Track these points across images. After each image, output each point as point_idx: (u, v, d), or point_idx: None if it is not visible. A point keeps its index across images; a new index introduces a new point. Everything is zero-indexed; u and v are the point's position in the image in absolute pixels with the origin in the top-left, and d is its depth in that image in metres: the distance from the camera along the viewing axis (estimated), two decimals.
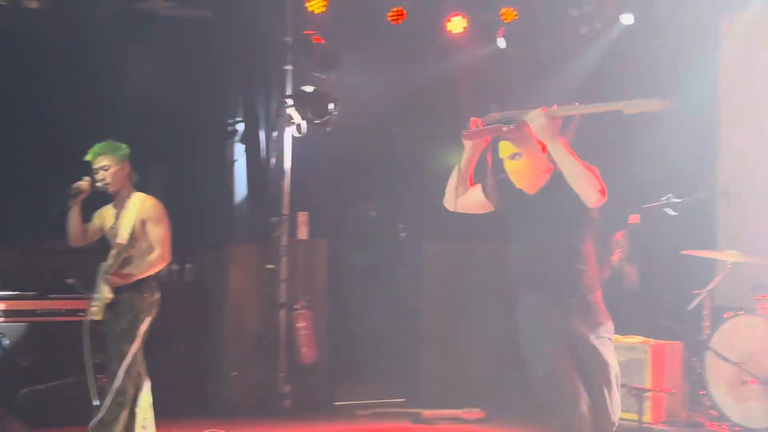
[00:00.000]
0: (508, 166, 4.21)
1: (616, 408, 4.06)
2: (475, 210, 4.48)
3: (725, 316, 5.94)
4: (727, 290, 6.94)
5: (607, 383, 4.05)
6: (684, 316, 6.42)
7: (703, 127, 7.93)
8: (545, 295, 4.16)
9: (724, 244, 6.89)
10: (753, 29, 7.71)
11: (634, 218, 7.39)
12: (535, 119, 3.93)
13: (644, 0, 8.07)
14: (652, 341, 6.02)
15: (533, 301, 4.20)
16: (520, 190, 4.23)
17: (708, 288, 6.34)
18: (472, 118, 4.26)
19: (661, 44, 8.00)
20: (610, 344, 4.11)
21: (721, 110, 7.98)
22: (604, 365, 4.07)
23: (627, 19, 8.27)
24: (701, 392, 5.99)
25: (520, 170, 4.17)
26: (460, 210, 4.47)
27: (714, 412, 5.88)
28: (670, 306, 6.56)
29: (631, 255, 7.08)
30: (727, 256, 6.32)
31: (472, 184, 4.44)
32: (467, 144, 4.33)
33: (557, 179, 4.07)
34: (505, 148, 4.19)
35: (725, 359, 5.74)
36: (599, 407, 4.03)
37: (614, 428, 4.03)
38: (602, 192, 3.94)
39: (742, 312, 5.93)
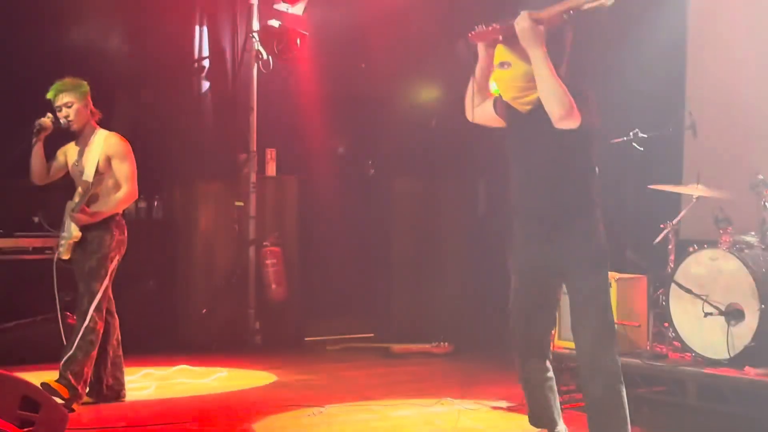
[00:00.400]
0: (495, 75, 4.11)
1: (595, 337, 4.01)
2: (490, 123, 4.30)
3: (689, 249, 6.00)
4: (692, 224, 7.01)
5: (583, 313, 4.04)
6: (649, 250, 6.49)
7: (670, 61, 7.93)
8: (526, 222, 4.18)
9: (690, 178, 6.93)
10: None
11: None
12: (519, 22, 3.86)
13: None
14: (617, 275, 6.08)
15: (516, 227, 4.22)
16: (515, 108, 4.13)
17: (673, 222, 6.39)
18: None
19: None
20: (592, 272, 4.05)
21: (688, 43, 7.98)
22: (579, 293, 4.06)
23: None
24: (665, 324, 6.08)
25: (505, 80, 4.06)
26: (476, 121, 4.28)
27: (677, 343, 5.97)
28: (636, 240, 6.62)
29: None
30: (692, 190, 6.36)
31: (490, 95, 4.27)
32: (480, 50, 4.18)
33: None
34: (498, 55, 4.07)
35: (689, 291, 5.82)
36: (583, 324, 4.05)
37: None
38: (569, 114, 3.84)
39: (706, 246, 6.00)
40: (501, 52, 4.06)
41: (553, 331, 4.46)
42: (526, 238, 4.20)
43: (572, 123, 3.89)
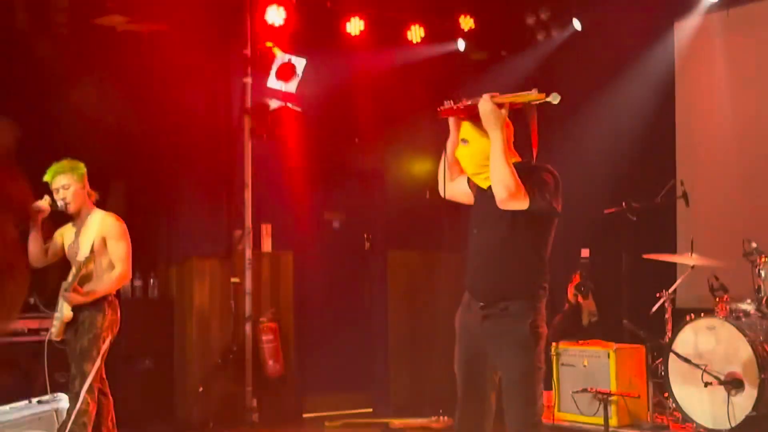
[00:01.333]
0: (458, 150, 4.16)
1: (521, 415, 4.02)
2: (461, 200, 4.34)
3: (686, 318, 5.99)
4: (688, 292, 7.02)
5: (510, 398, 4.05)
6: (646, 320, 6.48)
7: (661, 131, 8.02)
8: (469, 296, 4.19)
9: (684, 247, 6.96)
10: (705, 34, 7.83)
11: (585, 252, 7.52)
12: (482, 103, 3.93)
13: (597, 7, 8.14)
14: (615, 345, 6.06)
15: (463, 299, 4.23)
16: (477, 184, 4.18)
17: (669, 291, 6.40)
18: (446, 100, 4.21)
19: (615, 47, 8.07)
20: (519, 355, 4.03)
21: (677, 113, 8.09)
22: (507, 376, 4.06)
23: (578, 24, 8.37)
24: (665, 395, 6.04)
25: (465, 156, 4.12)
26: (448, 198, 4.33)
27: (678, 414, 5.93)
28: (632, 310, 6.61)
29: (586, 289, 7.20)
30: (687, 260, 6.39)
31: (461, 171, 4.29)
32: (450, 125, 4.25)
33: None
34: (462, 131, 4.15)
35: (687, 361, 5.80)
36: (509, 413, 4.04)
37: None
38: (512, 197, 3.88)
39: (702, 314, 5.99)
40: (464, 129, 4.15)
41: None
42: (466, 307, 4.21)
43: (516, 205, 3.94)
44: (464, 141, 4.10)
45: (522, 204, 3.93)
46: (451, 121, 4.25)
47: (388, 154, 9.35)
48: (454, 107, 4.13)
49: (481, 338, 4.11)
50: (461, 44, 9.13)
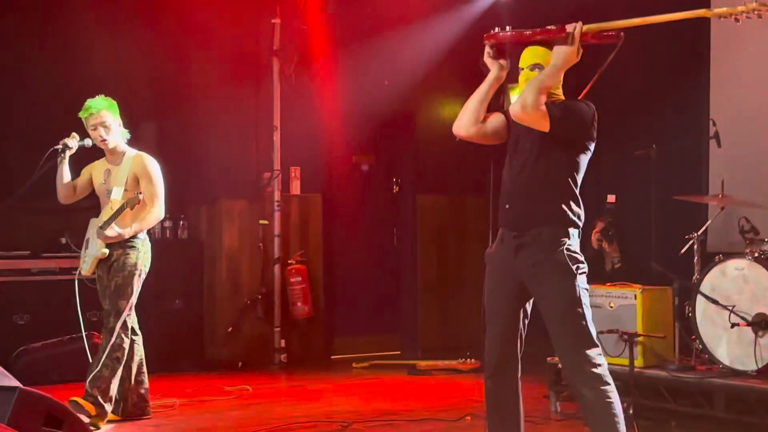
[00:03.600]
0: (524, 76, 4.07)
1: (570, 344, 3.98)
2: (488, 140, 4.20)
3: (715, 259, 5.94)
4: (718, 235, 6.96)
5: (553, 321, 4.00)
6: (675, 261, 6.44)
7: (694, 68, 7.89)
8: (502, 224, 4.14)
9: (715, 188, 6.88)
10: None
11: (611, 198, 7.45)
12: (569, 42, 3.91)
13: None
14: (641, 287, 6.03)
15: (499, 234, 4.18)
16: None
17: (699, 232, 6.35)
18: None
19: None
20: (558, 280, 3.98)
21: (712, 49, 7.91)
22: (546, 300, 4.01)
23: None
24: (692, 336, 6.01)
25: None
26: (474, 137, 4.17)
27: (704, 355, 5.91)
28: (661, 251, 6.56)
29: (611, 235, 7.14)
30: (717, 201, 6.32)
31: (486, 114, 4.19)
32: (492, 64, 4.15)
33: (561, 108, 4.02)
34: (529, 56, 4.07)
35: (714, 302, 5.77)
36: (559, 344, 4.02)
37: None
38: (528, 113, 3.86)
39: (732, 256, 5.94)
40: (535, 54, 4.06)
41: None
42: (499, 240, 4.17)
43: (535, 124, 3.92)
44: (536, 67, 4.02)
45: (542, 124, 3.90)
46: (493, 62, 4.14)
47: (417, 97, 9.30)
48: (508, 33, 4.06)
49: (516, 271, 4.06)
50: None
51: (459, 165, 9.31)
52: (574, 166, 4.06)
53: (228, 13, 8.30)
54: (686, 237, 6.36)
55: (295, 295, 8.59)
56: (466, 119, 4.19)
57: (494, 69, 4.17)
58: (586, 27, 3.94)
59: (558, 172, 4.03)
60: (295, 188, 8.87)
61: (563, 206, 4.02)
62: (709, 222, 6.52)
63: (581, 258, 4.04)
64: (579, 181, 4.09)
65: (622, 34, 3.94)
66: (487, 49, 4.14)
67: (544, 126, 3.93)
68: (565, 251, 3.97)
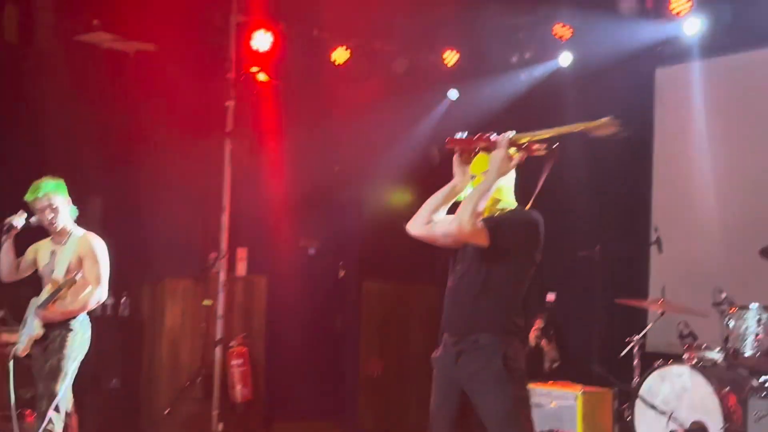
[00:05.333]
0: (474, 183, 4.11)
1: None
2: (440, 241, 4.16)
3: (654, 364, 6.03)
4: (658, 338, 7.07)
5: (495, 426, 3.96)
6: (615, 364, 6.51)
7: (638, 176, 8.09)
8: (445, 331, 4.14)
9: (656, 293, 7.01)
10: (685, 82, 7.93)
11: (550, 297, 7.57)
12: (500, 141, 3.97)
13: (582, 46, 8.22)
14: (583, 388, 6.08)
15: (443, 338, 4.17)
16: None
17: (639, 336, 6.45)
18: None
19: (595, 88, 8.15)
20: (494, 389, 3.95)
21: (655, 159, 8.17)
22: (483, 410, 3.97)
23: (565, 59, 8.42)
24: None
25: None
26: (423, 236, 4.15)
27: None
28: (602, 354, 6.65)
29: (550, 334, 7.24)
30: (658, 306, 6.44)
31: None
32: (456, 164, 4.17)
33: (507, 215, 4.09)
34: (478, 164, 4.11)
35: (653, 407, 5.84)
36: None
37: None
38: (463, 236, 3.91)
39: (671, 361, 6.04)
40: (482, 161, 4.10)
41: None
42: (443, 345, 4.15)
43: (465, 239, 3.95)
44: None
45: (480, 241, 3.95)
46: (457, 158, 4.19)
47: (366, 183, 9.37)
48: (470, 139, 4.10)
49: (456, 377, 4.06)
50: (453, 93, 9.23)
51: (406, 252, 9.33)
52: (517, 276, 4.08)
53: (181, 94, 8.33)
54: (626, 340, 6.45)
55: (235, 377, 8.49)
56: (418, 219, 4.23)
57: (456, 177, 4.19)
58: (516, 136, 4.00)
59: (499, 280, 4.04)
60: (241, 269, 8.83)
61: (503, 314, 4.02)
62: (649, 326, 6.63)
63: (520, 365, 4.02)
64: (522, 290, 4.11)
65: (555, 149, 3.98)
66: (456, 155, 4.19)
67: (483, 242, 3.97)
68: (502, 360, 3.95)
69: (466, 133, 4.14)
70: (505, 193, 4.18)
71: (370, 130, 9.12)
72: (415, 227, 4.23)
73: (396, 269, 9.55)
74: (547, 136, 3.99)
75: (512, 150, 4.02)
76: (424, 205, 4.23)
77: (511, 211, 4.16)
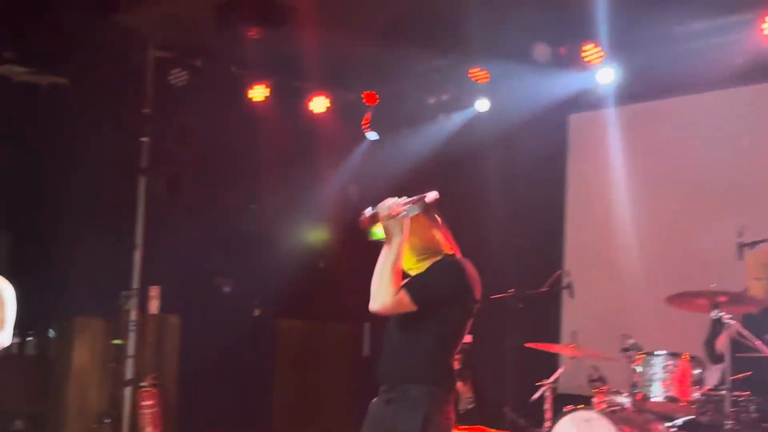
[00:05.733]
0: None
1: None
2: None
3: (564, 410, 6.08)
4: (570, 382, 7.14)
5: None
6: (527, 408, 6.56)
7: (551, 221, 8.22)
8: (379, 380, 4.14)
9: (567, 337, 7.11)
10: (598, 128, 8.11)
11: (467, 339, 7.61)
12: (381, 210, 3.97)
13: (498, 91, 8.35)
14: None
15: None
16: None
17: (550, 380, 6.50)
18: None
19: (512, 133, 8.27)
20: None
21: (567, 205, 8.31)
22: None
23: (482, 105, 8.55)
24: None
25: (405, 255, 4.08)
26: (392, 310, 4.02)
27: None
28: (514, 397, 6.69)
29: (466, 375, 7.26)
30: (568, 350, 6.51)
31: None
32: (387, 237, 4.05)
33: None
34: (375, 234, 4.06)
35: None
36: None
37: None
38: (386, 310, 3.88)
39: (581, 405, 6.10)
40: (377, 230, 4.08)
41: None
42: (375, 400, 4.12)
43: (390, 312, 3.94)
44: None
45: (407, 308, 3.95)
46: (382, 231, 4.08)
47: (284, 221, 9.33)
48: (368, 218, 4.11)
49: (384, 425, 4.02)
50: (373, 135, 9.27)
51: (322, 291, 9.33)
52: (447, 326, 4.08)
53: (95, 129, 8.20)
54: (537, 384, 6.51)
55: (145, 419, 8.30)
56: (384, 292, 4.00)
57: (394, 240, 4.05)
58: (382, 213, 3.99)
59: (429, 332, 4.04)
60: (153, 308, 8.67)
61: (433, 365, 4.02)
62: (559, 371, 6.69)
63: (443, 420, 4.02)
64: (454, 338, 4.10)
65: (421, 199, 3.96)
66: (374, 230, 4.18)
67: (410, 308, 3.93)
68: (424, 416, 3.93)
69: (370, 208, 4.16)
70: (423, 248, 4.19)
71: (288, 169, 9.10)
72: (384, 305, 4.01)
73: (312, 307, 9.50)
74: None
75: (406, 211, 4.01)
76: (380, 278, 4.02)
77: (433, 264, 4.15)
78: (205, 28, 7.87)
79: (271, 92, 8.91)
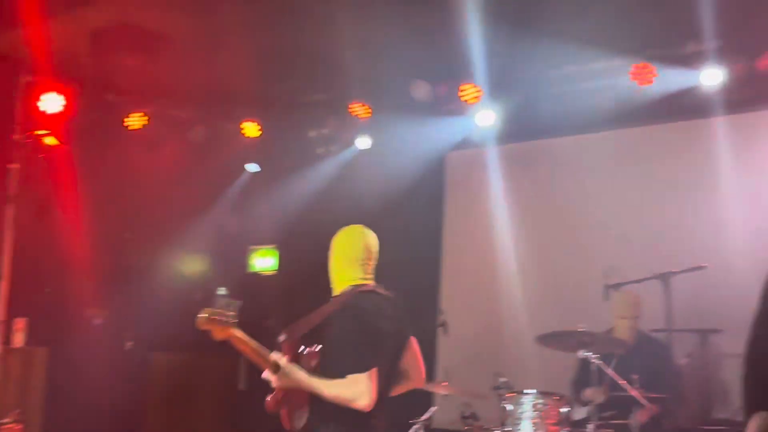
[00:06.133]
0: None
1: None
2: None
3: None
4: (444, 417, 7.19)
5: None
6: None
7: (427, 257, 8.28)
8: None
9: (441, 374, 7.15)
10: (475, 168, 8.24)
11: None
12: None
13: (379, 128, 8.40)
14: None
15: None
16: None
17: (423, 417, 6.53)
18: None
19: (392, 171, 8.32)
20: None
21: (444, 242, 8.40)
22: None
23: (363, 143, 8.59)
24: None
25: None
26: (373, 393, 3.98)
27: None
28: None
29: None
30: (440, 389, 6.55)
31: None
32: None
33: None
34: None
35: None
36: None
37: None
38: (363, 404, 3.89)
39: None
40: None
41: None
42: None
43: (373, 397, 3.91)
44: None
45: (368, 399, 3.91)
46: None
47: (159, 252, 9.13)
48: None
49: None
50: (252, 167, 9.18)
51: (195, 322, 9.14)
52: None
53: None
54: (410, 421, 6.52)
55: None
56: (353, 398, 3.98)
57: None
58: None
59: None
60: (18, 341, 8.34)
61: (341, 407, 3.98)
62: (432, 409, 6.73)
63: None
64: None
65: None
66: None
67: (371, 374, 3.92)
68: None
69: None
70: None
71: (165, 198, 8.93)
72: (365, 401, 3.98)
73: (186, 340, 9.28)
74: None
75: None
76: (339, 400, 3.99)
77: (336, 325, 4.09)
78: (80, 54, 7.69)
79: (149, 120, 8.73)
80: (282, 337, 4.20)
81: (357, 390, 3.89)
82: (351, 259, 4.29)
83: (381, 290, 4.31)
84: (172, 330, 9.21)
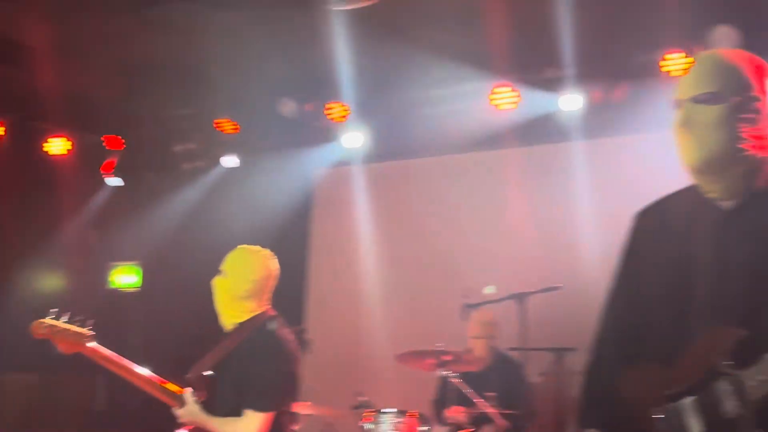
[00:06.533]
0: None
1: None
2: None
3: None
4: None
5: None
6: None
7: (293, 274, 8.23)
8: None
9: (303, 394, 7.11)
10: (344, 182, 8.27)
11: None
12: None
13: (247, 145, 8.34)
14: None
15: None
16: None
17: None
18: None
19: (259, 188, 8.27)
20: None
21: (310, 259, 8.39)
22: None
23: (229, 161, 8.51)
24: None
25: None
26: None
27: None
28: None
29: None
30: (303, 408, 6.52)
31: None
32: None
33: None
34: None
35: None
36: None
37: None
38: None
39: None
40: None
41: None
42: None
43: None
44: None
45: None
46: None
47: (15, 267, 8.79)
48: None
49: None
50: (115, 181, 8.94)
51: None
52: None
53: None
54: None
55: None
56: None
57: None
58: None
59: None
60: None
61: None
62: (295, 427, 6.67)
63: None
64: None
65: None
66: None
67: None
68: None
69: None
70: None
71: (23, 212, 8.61)
72: None
73: (41, 358, 8.96)
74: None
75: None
76: None
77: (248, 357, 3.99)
78: None
79: (6, 132, 8.43)
80: (189, 374, 4.09)
81: (250, 428, 3.82)
82: (253, 286, 4.09)
83: (280, 320, 4.18)
84: (25, 350, 8.87)
